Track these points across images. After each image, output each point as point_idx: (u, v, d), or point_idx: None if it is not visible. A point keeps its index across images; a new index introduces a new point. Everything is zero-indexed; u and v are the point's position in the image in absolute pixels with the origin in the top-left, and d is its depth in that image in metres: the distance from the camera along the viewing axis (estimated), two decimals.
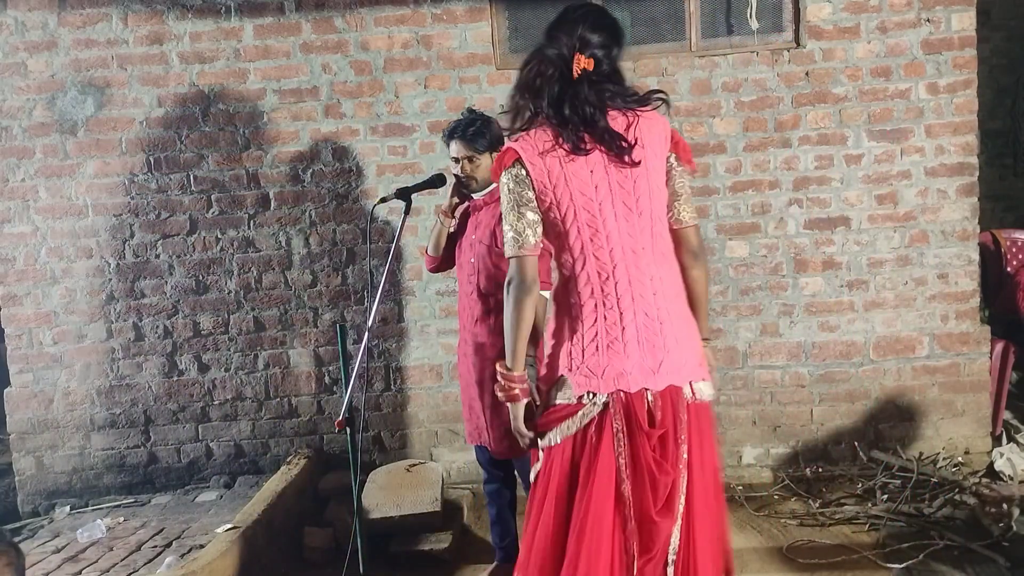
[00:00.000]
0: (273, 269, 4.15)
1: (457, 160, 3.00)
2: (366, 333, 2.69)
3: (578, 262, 2.06)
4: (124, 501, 4.15)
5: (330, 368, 4.17)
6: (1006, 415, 4.27)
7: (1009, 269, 4.48)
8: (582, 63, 2.01)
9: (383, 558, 3.48)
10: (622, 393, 2.01)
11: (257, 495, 3.64)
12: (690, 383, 2.08)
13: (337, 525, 3.64)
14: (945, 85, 3.93)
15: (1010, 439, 4.12)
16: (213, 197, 4.12)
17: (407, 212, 2.94)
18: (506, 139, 2.17)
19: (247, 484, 4.17)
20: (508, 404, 2.15)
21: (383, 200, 2.96)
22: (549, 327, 2.18)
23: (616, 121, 2.04)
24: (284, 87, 4.05)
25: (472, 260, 3.03)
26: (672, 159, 2.11)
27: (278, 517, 3.51)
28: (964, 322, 4.04)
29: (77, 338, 4.17)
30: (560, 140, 2.02)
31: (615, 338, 2.03)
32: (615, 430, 2.01)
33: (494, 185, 3.02)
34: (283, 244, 4.14)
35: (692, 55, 3.99)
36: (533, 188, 2.04)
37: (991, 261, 4.43)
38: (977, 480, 3.73)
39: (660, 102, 2.09)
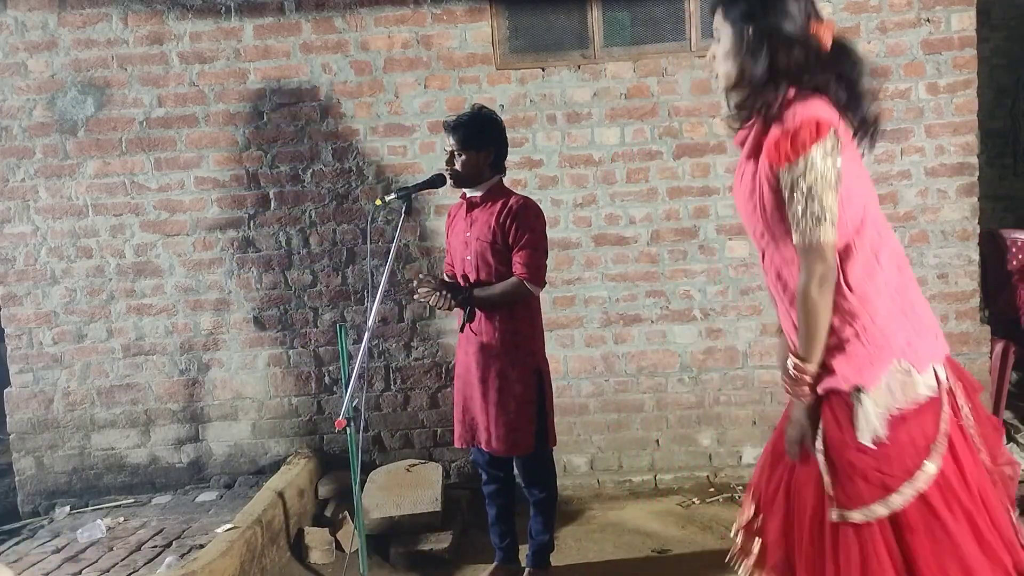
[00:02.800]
0: (273, 269, 4.15)
1: (447, 151, 3.02)
2: (366, 333, 2.69)
3: (875, 256, 1.81)
4: (124, 501, 4.15)
5: (330, 368, 4.17)
6: (1006, 415, 4.27)
7: (1010, 268, 4.48)
8: (827, 28, 1.77)
9: (383, 558, 3.48)
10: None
11: (257, 495, 3.64)
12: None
13: (337, 525, 3.65)
14: (945, 85, 3.94)
15: (1010, 439, 4.13)
16: (213, 197, 4.12)
17: (407, 212, 2.94)
18: (736, 127, 1.87)
19: (247, 484, 4.17)
20: (793, 405, 1.84)
21: (383, 200, 2.95)
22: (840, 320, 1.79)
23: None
24: (284, 87, 4.05)
25: (468, 258, 3.03)
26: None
27: (278, 517, 3.51)
28: (964, 322, 4.04)
29: (77, 338, 4.18)
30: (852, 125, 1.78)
31: (918, 313, 1.84)
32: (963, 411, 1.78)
33: (490, 182, 3.02)
34: (283, 244, 4.14)
35: (692, 55, 3.99)
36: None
37: (992, 261, 4.43)
38: None
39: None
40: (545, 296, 3.08)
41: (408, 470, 3.93)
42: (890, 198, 3.99)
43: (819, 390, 1.79)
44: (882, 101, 3.95)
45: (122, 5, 4.02)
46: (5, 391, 4.23)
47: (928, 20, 3.91)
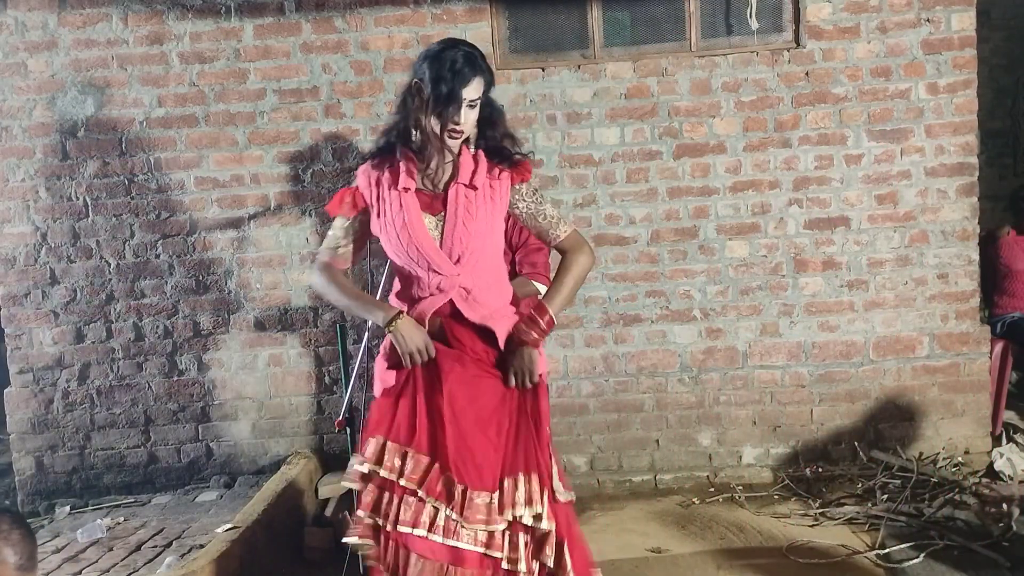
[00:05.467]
0: (273, 269, 4.15)
1: None
2: (366, 333, 2.69)
3: None
4: (124, 501, 4.15)
5: (330, 368, 4.17)
6: (1006, 415, 4.28)
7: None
8: None
9: None
10: None
11: (257, 495, 3.64)
12: None
13: (337, 525, 3.64)
14: (945, 85, 3.93)
15: (1010, 439, 4.13)
16: (213, 197, 4.12)
17: None
18: None
19: (247, 484, 4.17)
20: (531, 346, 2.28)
21: None
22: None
23: None
24: (284, 87, 4.05)
25: None
26: None
27: (278, 517, 3.51)
28: (964, 322, 4.04)
29: (77, 338, 4.17)
30: None
31: None
32: None
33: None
34: (283, 244, 4.14)
35: (692, 55, 3.99)
36: None
37: (992, 260, 4.42)
38: (977, 480, 3.73)
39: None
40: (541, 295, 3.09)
41: None
42: (890, 198, 3.99)
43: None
44: (883, 101, 3.96)
45: (122, 5, 4.02)
46: (5, 391, 4.23)
47: (928, 20, 3.91)
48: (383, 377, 2.31)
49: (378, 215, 2.25)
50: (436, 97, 2.13)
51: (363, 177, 2.28)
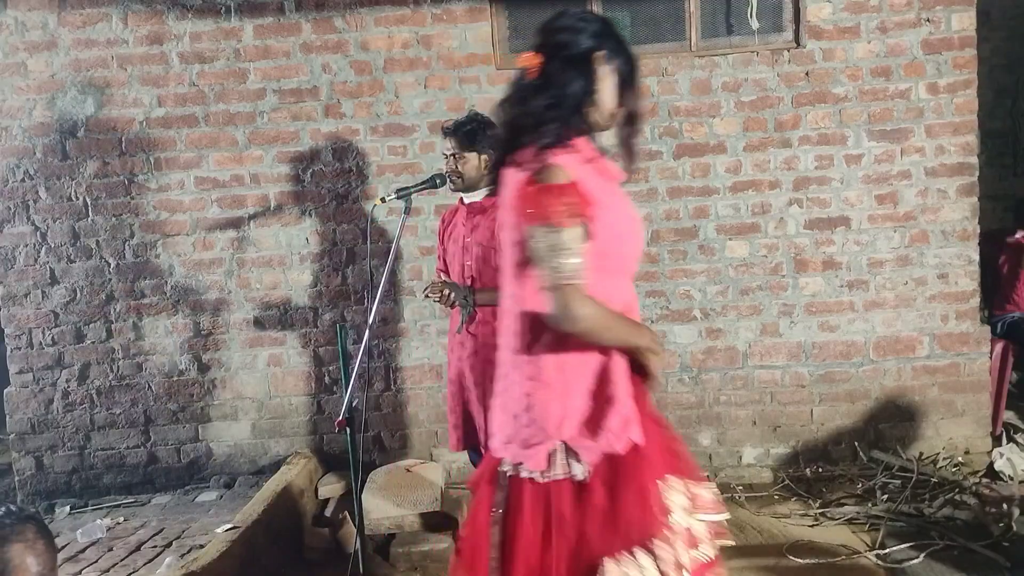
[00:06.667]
0: (273, 269, 4.15)
1: (447, 156, 3.03)
2: (366, 333, 2.69)
3: None
4: (124, 501, 4.16)
5: (330, 368, 4.17)
6: (1006, 415, 4.28)
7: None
8: (523, 61, 1.86)
9: (383, 558, 3.48)
10: None
11: (257, 495, 3.64)
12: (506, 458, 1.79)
13: (337, 525, 3.64)
14: (945, 85, 3.93)
15: (1010, 439, 4.13)
16: (213, 197, 4.12)
17: (407, 212, 2.94)
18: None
19: (247, 484, 4.17)
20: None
21: (383, 200, 2.96)
22: None
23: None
24: (284, 87, 4.05)
25: (468, 263, 3.04)
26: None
27: (278, 517, 3.51)
28: (964, 322, 4.04)
29: (77, 338, 4.17)
30: None
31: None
32: None
33: (490, 187, 3.03)
34: (283, 244, 4.14)
35: (692, 55, 3.99)
36: None
37: (992, 260, 4.42)
38: (977, 480, 3.73)
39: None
40: None
41: (408, 470, 3.92)
42: (890, 198, 3.99)
43: None
44: (883, 101, 3.95)
45: (122, 5, 4.02)
46: (5, 391, 4.23)
47: (928, 20, 3.91)
48: (631, 422, 1.77)
49: (599, 213, 1.75)
50: (629, 74, 1.93)
51: (576, 168, 1.74)
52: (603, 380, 1.77)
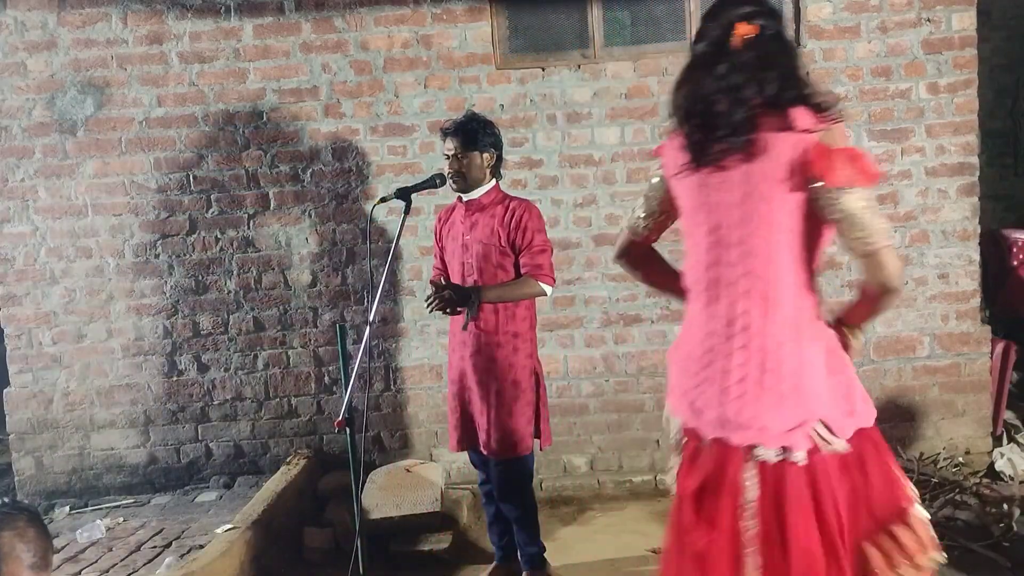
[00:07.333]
0: (273, 269, 4.15)
1: (447, 156, 3.02)
2: (366, 333, 2.69)
3: (691, 286, 1.89)
4: (124, 501, 4.15)
5: (330, 368, 4.17)
6: (1007, 415, 4.27)
7: (1014, 264, 4.48)
8: (741, 31, 1.76)
9: (383, 558, 3.48)
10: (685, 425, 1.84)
11: (257, 495, 3.64)
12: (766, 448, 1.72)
13: (337, 525, 3.64)
14: (945, 85, 3.93)
15: (1011, 439, 4.12)
16: (213, 197, 4.11)
17: (407, 212, 2.94)
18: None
19: (247, 484, 4.16)
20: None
21: (383, 200, 2.96)
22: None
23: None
24: (284, 87, 4.05)
25: (468, 260, 3.04)
26: (818, 185, 1.70)
27: (278, 517, 3.51)
28: (964, 322, 4.04)
29: (77, 338, 4.17)
30: (685, 145, 1.80)
31: (687, 364, 1.85)
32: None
33: (489, 186, 3.04)
34: (283, 244, 4.14)
35: None
36: (665, 194, 1.93)
37: (993, 260, 4.43)
38: (978, 480, 3.73)
39: (811, 104, 1.74)
40: (545, 296, 3.10)
41: (408, 470, 3.92)
42: (890, 198, 3.99)
43: None
44: (883, 101, 3.95)
45: (122, 5, 4.01)
46: (5, 391, 4.23)
47: (928, 20, 3.91)
48: (868, 398, 1.84)
49: None
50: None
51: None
52: (840, 355, 1.80)
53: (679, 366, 1.88)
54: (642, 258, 2.08)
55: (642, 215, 2.00)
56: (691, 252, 1.89)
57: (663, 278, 2.09)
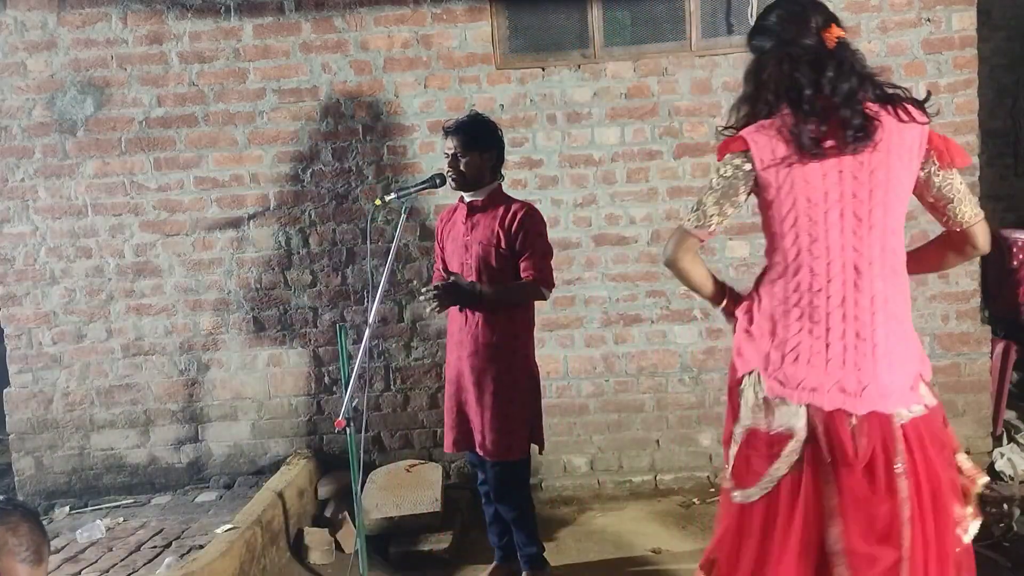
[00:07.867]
0: (273, 269, 4.15)
1: (448, 154, 3.02)
2: (367, 332, 2.69)
3: (791, 269, 1.95)
4: (124, 501, 4.15)
5: (330, 368, 4.17)
6: (1007, 415, 4.27)
7: (1014, 264, 4.48)
8: (836, 33, 2.07)
9: (383, 558, 3.48)
10: (821, 412, 1.88)
11: (257, 495, 3.64)
12: (902, 409, 1.91)
13: (337, 525, 3.64)
14: (946, 85, 3.93)
15: (1011, 439, 4.12)
16: (213, 197, 4.11)
17: (407, 212, 2.94)
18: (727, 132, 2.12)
19: (247, 484, 4.16)
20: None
21: (383, 200, 2.96)
22: (746, 313, 2.09)
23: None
24: (284, 87, 4.05)
25: (468, 262, 3.04)
26: (931, 168, 1.93)
27: (278, 517, 3.51)
28: (964, 322, 4.04)
29: (77, 338, 4.17)
30: (796, 136, 1.89)
31: (817, 352, 1.91)
32: (821, 461, 1.88)
33: (491, 187, 3.04)
34: (283, 244, 4.14)
35: (692, 55, 3.98)
36: (754, 184, 1.97)
37: (993, 260, 4.42)
38: None
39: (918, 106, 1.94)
40: (544, 300, 3.10)
41: (408, 470, 3.93)
42: None
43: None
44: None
45: (122, 5, 4.01)
46: (4, 391, 4.23)
47: (929, 20, 3.90)
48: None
49: None
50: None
51: None
52: None
53: (805, 358, 1.92)
54: (697, 258, 2.13)
55: (715, 212, 2.00)
56: (809, 237, 1.92)
57: (707, 277, 2.16)
